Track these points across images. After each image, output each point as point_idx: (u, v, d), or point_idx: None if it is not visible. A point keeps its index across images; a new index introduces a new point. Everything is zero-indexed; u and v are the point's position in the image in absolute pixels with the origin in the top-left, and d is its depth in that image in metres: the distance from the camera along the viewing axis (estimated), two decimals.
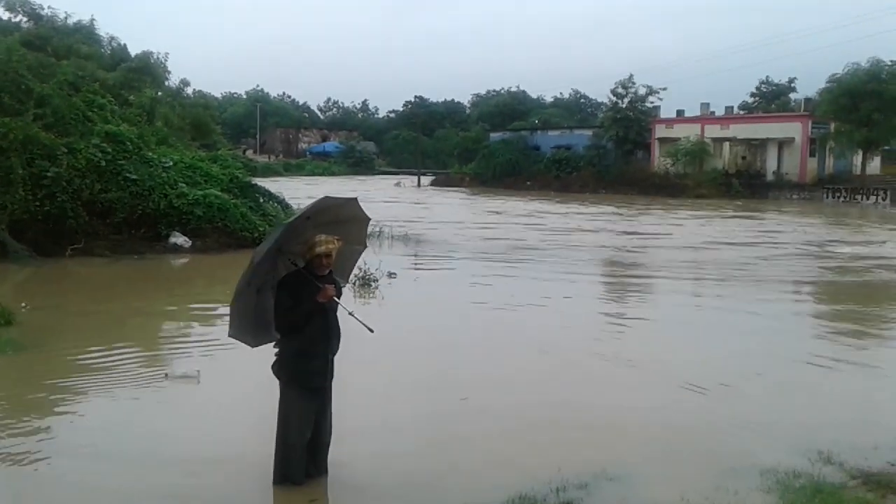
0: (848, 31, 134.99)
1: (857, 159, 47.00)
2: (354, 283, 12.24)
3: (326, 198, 5.04)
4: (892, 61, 43.59)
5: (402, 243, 20.39)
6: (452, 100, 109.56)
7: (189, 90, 47.94)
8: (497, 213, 33.68)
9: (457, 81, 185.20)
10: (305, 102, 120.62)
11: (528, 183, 55.17)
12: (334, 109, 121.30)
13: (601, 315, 11.81)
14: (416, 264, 17.46)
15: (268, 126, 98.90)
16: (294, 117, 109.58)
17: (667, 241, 22.83)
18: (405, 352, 8.73)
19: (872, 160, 48.28)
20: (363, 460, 5.54)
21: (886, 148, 46.87)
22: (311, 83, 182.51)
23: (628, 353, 9.00)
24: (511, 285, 14.22)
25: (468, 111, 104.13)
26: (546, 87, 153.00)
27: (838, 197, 43.39)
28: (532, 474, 5.17)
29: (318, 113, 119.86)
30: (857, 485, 5.09)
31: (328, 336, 5.01)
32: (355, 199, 5.28)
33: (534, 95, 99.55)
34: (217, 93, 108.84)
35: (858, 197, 42.53)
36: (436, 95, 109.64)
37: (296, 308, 4.80)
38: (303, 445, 4.99)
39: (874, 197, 42.10)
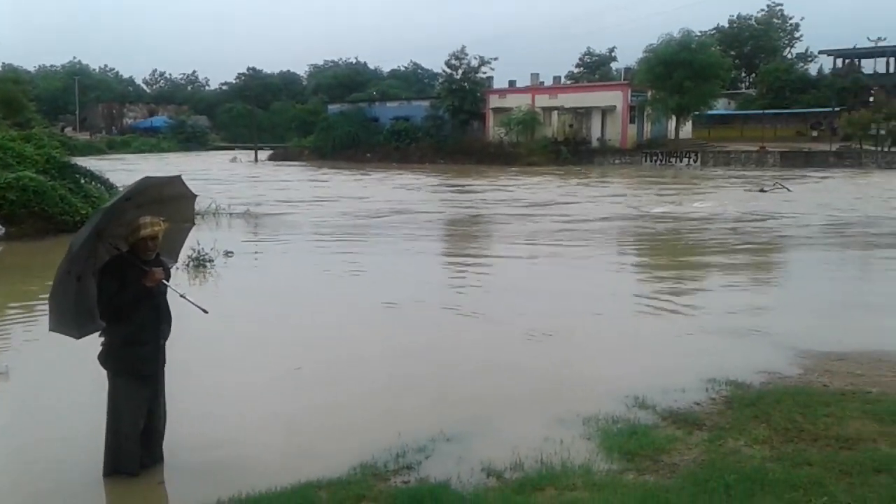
0: (664, 3, 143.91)
1: (672, 124, 50.59)
2: (188, 265, 11.87)
3: (147, 178, 4.87)
4: (701, 32, 47.19)
5: (240, 220, 19.88)
6: (288, 71, 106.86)
7: None
8: (335, 184, 33.49)
9: (292, 52, 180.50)
10: (131, 76, 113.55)
11: (369, 155, 55.08)
12: (161, 82, 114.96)
13: (446, 275, 12.23)
14: (255, 241, 17.09)
15: (88, 101, 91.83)
16: (118, 91, 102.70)
17: (504, 206, 23.67)
18: (241, 329, 8.61)
19: (685, 125, 52.14)
20: (200, 444, 5.45)
21: (696, 113, 50.69)
22: (135, 54, 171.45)
23: (467, 308, 9.51)
24: (355, 257, 14.28)
25: (305, 83, 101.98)
26: (384, 58, 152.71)
27: (655, 160, 46.65)
28: (372, 441, 5.29)
29: (144, 86, 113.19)
30: (668, 424, 5.59)
31: (158, 321, 4.87)
32: (179, 176, 5.13)
33: (372, 67, 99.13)
34: (30, 66, 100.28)
35: (673, 160, 45.94)
36: (270, 67, 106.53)
37: (121, 293, 4.63)
38: (136, 435, 4.85)
39: (686, 159, 45.65)
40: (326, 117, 62.08)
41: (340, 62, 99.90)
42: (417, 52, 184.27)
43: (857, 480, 4.23)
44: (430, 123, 56.06)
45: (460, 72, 55.63)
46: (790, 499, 4.05)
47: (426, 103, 58.80)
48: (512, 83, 58.22)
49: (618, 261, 14.87)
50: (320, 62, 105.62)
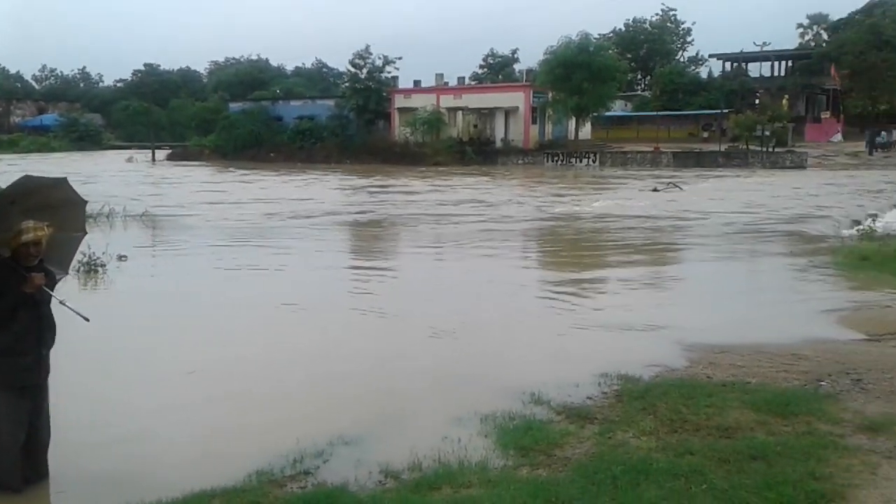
0: (564, 6, 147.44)
1: (572, 125, 51.88)
2: (78, 270, 11.38)
3: (27, 177, 4.65)
4: (599, 35, 48.54)
5: (136, 223, 19.18)
6: (188, 68, 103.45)
7: None
8: (237, 184, 32.76)
9: (192, 49, 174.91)
10: (18, 71, 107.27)
11: (272, 155, 54.04)
12: (52, 79, 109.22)
13: (350, 275, 12.23)
14: (151, 245, 16.54)
15: None
16: (4, 88, 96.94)
17: (411, 206, 23.74)
18: (132, 334, 8.36)
19: (584, 126, 53.54)
20: (87, 455, 5.26)
21: (595, 114, 52.15)
22: (22, 49, 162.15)
23: (371, 308, 9.55)
24: (256, 259, 14.04)
25: (205, 80, 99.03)
26: (288, 56, 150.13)
27: (556, 160, 47.76)
28: (269, 447, 5.23)
29: (34, 83, 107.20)
30: (562, 419, 5.76)
31: (40, 330, 4.67)
32: (64, 178, 4.92)
33: (275, 64, 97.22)
34: None
35: (573, 160, 47.14)
36: (169, 63, 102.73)
37: None
38: (16, 449, 4.63)
39: (586, 160, 46.94)
40: (228, 116, 60.45)
41: (242, 59, 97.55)
42: (322, 50, 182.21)
43: (734, 467, 4.46)
44: (336, 123, 55.55)
45: (365, 71, 55.37)
46: (672, 487, 4.24)
47: (331, 102, 58.26)
48: (417, 83, 58.34)
49: (520, 260, 15.18)
50: (221, 59, 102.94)
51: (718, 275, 13.03)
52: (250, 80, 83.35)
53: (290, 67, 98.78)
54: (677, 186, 28.79)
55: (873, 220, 18.33)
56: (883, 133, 49.28)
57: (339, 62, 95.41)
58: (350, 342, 8.39)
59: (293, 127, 56.72)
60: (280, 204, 24.60)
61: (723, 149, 45.99)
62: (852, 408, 5.26)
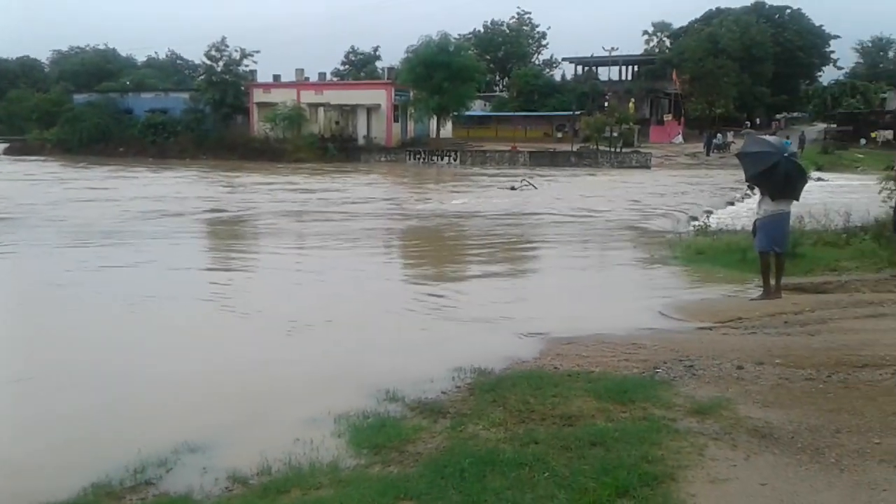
0: (425, 5, 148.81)
1: (433, 124, 52.44)
2: None
3: None
4: (459, 35, 49.31)
5: None
6: (27, 56, 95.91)
7: None
8: (84, 182, 30.83)
9: (32, 36, 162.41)
10: None
11: (122, 149, 51.43)
12: None
13: (205, 276, 11.81)
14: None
15: None
16: None
17: (270, 203, 23.19)
18: None
19: (446, 125, 54.26)
20: None
21: (455, 113, 52.98)
22: None
23: (225, 305, 9.29)
24: (105, 258, 13.27)
25: (47, 69, 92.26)
26: (139, 46, 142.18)
27: (419, 159, 48.15)
28: (107, 457, 4.96)
29: None
30: (415, 415, 5.80)
31: None
32: None
33: (124, 54, 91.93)
34: None
35: (435, 158, 47.69)
36: (6, 52, 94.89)
37: None
38: None
39: (447, 158, 47.61)
40: (72, 108, 56.71)
41: (88, 48, 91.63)
42: (176, 41, 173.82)
43: (575, 454, 4.64)
44: (191, 117, 53.42)
45: (221, 64, 53.58)
46: (516, 476, 4.37)
47: (185, 96, 55.90)
48: (277, 77, 57.09)
49: (381, 257, 15.22)
50: (65, 48, 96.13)
51: (569, 269, 13.58)
52: (97, 70, 78.30)
53: (140, 58, 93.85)
54: (532, 185, 29.76)
55: (708, 217, 19.72)
56: (719, 135, 53.03)
57: (195, 54, 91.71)
58: (201, 342, 8.12)
59: (144, 120, 54.04)
60: (130, 202, 23.37)
61: (575, 149, 47.94)
62: (684, 393, 5.60)
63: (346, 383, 6.67)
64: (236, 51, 53.56)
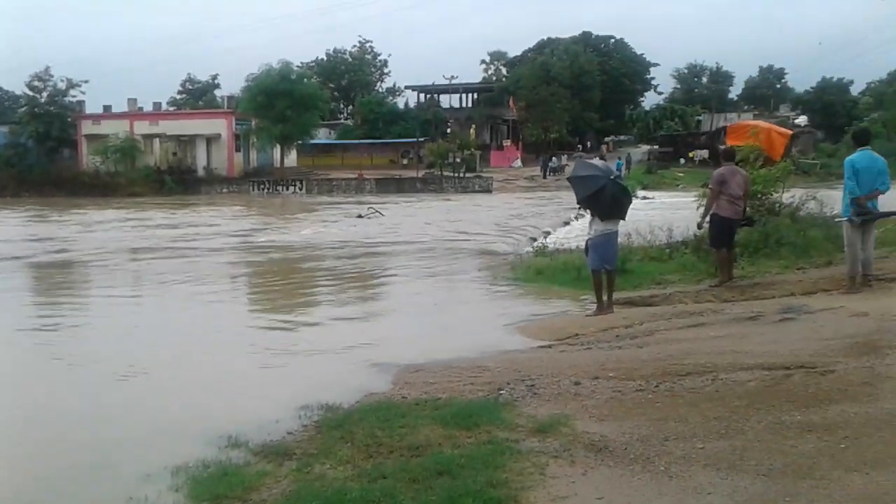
0: (265, 33, 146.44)
1: (277, 153, 51.62)
2: None
3: None
4: (301, 63, 48.91)
5: None
6: None
7: None
8: None
9: None
10: None
11: None
12: None
13: (27, 319, 10.90)
14: None
15: None
16: None
17: (100, 242, 21.82)
18: None
19: (290, 153, 53.58)
20: None
21: (300, 142, 52.44)
22: None
23: (54, 354, 8.60)
24: None
25: None
26: None
27: (263, 189, 47.17)
28: None
29: None
30: (259, 459, 5.57)
31: None
32: None
33: None
34: None
35: (280, 188, 46.91)
36: None
37: None
38: None
39: (293, 187, 46.96)
40: None
41: None
42: None
43: (423, 486, 4.63)
44: (11, 152, 49.55)
45: (45, 95, 50.25)
46: None
47: (5, 129, 51.77)
48: (108, 108, 54.31)
49: (225, 293, 14.63)
50: None
51: (417, 296, 13.68)
52: None
53: None
54: (380, 213, 29.89)
55: (546, 237, 20.60)
56: (554, 158, 55.67)
57: (15, 84, 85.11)
58: (23, 397, 7.45)
59: None
60: None
61: (420, 175, 48.73)
62: (526, 413, 5.75)
63: (186, 432, 6.34)
64: (62, 80, 50.49)
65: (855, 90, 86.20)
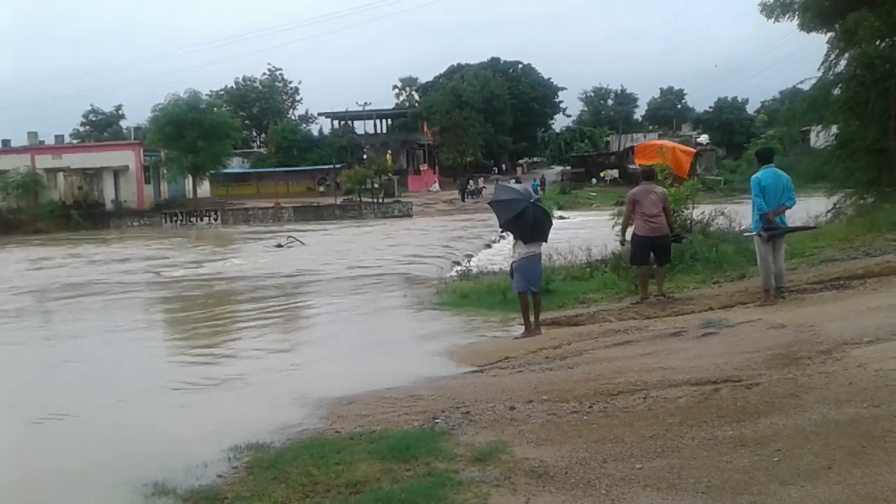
0: (170, 63, 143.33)
1: (189, 184, 50.39)
2: None
3: None
4: (211, 92, 48.03)
5: None
6: None
7: None
8: None
9: None
10: None
11: None
12: None
13: None
14: None
15: None
16: None
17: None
18: None
19: (203, 184, 52.39)
20: None
21: (213, 171, 51.39)
22: None
23: None
24: None
25: None
26: None
27: (176, 220, 45.90)
28: None
29: None
30: None
31: None
32: None
33: None
34: None
35: (193, 219, 45.76)
36: None
37: None
38: None
39: (207, 217, 45.87)
40: None
41: None
42: None
43: None
44: None
45: None
46: None
47: None
48: (6, 143, 51.96)
49: (141, 332, 14.07)
50: None
51: (343, 325, 13.49)
52: None
53: None
54: (299, 241, 29.48)
55: (469, 260, 20.72)
56: (471, 182, 56.33)
57: None
58: None
59: None
60: None
61: (339, 202, 48.42)
62: (464, 441, 5.70)
63: (107, 480, 6.02)
64: None
65: (751, 108, 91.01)
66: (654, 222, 10.83)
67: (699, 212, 15.10)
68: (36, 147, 51.23)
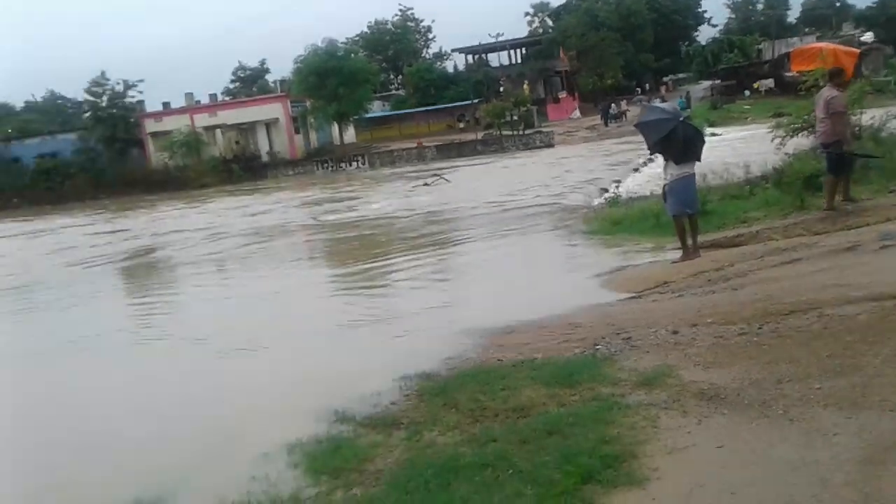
0: (305, 13, 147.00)
1: (335, 131, 52.02)
2: None
3: None
4: (346, 39, 49.05)
5: None
6: None
7: None
8: None
9: None
10: None
11: (15, 200, 48.51)
12: None
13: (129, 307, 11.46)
14: None
15: None
16: None
17: (178, 234, 22.49)
18: None
19: (348, 130, 53.95)
20: None
21: (356, 117, 52.73)
22: None
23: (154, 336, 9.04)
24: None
25: None
26: (14, 91, 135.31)
27: (327, 167, 47.65)
28: None
29: None
30: (369, 431, 5.68)
31: None
32: None
33: None
34: None
35: (343, 164, 47.31)
36: None
37: None
38: None
39: (355, 162, 47.30)
40: None
41: None
42: (53, 80, 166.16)
43: (534, 446, 4.64)
44: (83, 157, 51.23)
45: (105, 98, 51.64)
46: (481, 479, 4.35)
47: (74, 136, 53.60)
48: (166, 105, 55.50)
49: (305, 271, 14.94)
50: None
51: (496, 257, 13.63)
52: None
53: (18, 103, 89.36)
54: (444, 178, 29.87)
55: (617, 186, 20.22)
56: (613, 105, 54.49)
57: (76, 91, 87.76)
58: (135, 381, 7.83)
59: (35, 167, 51.30)
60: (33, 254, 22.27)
61: (479, 137, 48.38)
62: (627, 366, 5.69)
63: (293, 411, 6.50)
64: (118, 83, 51.75)
65: None
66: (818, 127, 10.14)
67: (868, 117, 13.88)
68: (193, 107, 54.38)
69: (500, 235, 15.83)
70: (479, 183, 27.67)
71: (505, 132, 47.03)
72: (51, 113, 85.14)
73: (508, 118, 47.55)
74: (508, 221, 17.64)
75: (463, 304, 9.85)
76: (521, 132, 46.76)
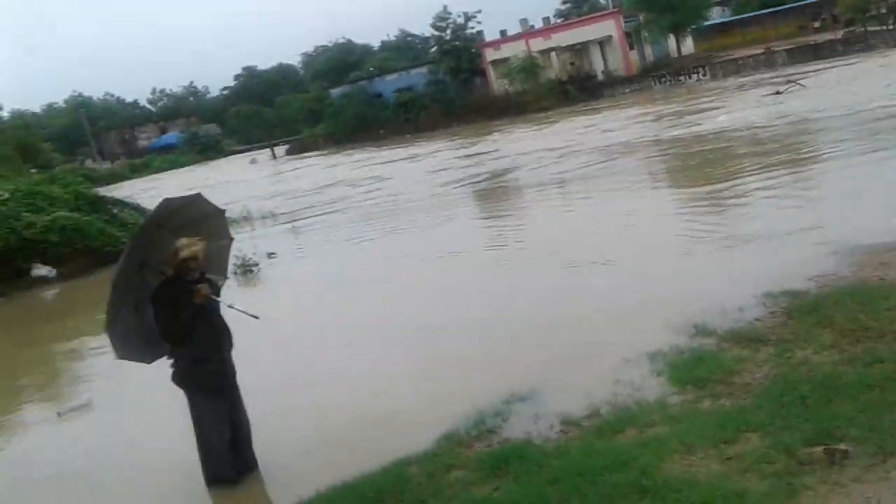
0: None
1: (672, 43, 49.61)
2: (235, 273, 12.06)
3: (166, 200, 5.07)
4: None
5: (272, 220, 20.16)
6: (283, 63, 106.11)
7: (4, 113, 44.66)
8: (358, 169, 33.53)
9: (282, 45, 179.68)
10: (135, 99, 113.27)
11: (382, 132, 54.53)
12: (164, 99, 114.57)
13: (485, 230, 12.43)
14: (296, 239, 17.31)
15: (99, 131, 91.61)
16: (124, 116, 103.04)
17: (524, 157, 23.57)
18: (295, 323, 9.01)
19: (685, 41, 51.09)
20: (287, 443, 5.71)
21: (694, 27, 49.65)
22: (131, 77, 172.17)
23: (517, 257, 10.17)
24: (402, 242, 14.47)
25: (301, 72, 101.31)
26: (371, 32, 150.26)
27: (664, 81, 45.77)
28: (451, 413, 5.44)
29: (150, 106, 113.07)
30: (732, 346, 5.63)
31: (218, 336, 5.08)
32: (199, 194, 5.34)
33: (360, 43, 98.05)
34: (35, 107, 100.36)
35: (682, 77, 45.02)
36: (264, 63, 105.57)
37: (176, 316, 4.83)
38: (224, 445, 5.09)
39: (695, 75, 44.73)
40: (332, 102, 61.62)
41: (330, 45, 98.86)
42: (402, 19, 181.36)
43: None
44: (434, 89, 55.42)
45: (449, 32, 55.02)
46: (867, 399, 4.11)
47: (424, 69, 58.21)
48: (503, 33, 57.44)
49: (653, 190, 14.86)
50: (311, 49, 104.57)
51: (866, 170, 12.11)
52: (341, 64, 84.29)
53: (375, 44, 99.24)
54: (799, 84, 27.06)
55: None
56: None
57: (423, 27, 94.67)
58: (504, 296, 8.63)
59: (395, 101, 56.86)
60: (414, 181, 24.99)
61: (839, 36, 42.66)
62: None
63: (649, 321, 6.64)
64: (459, 16, 54.70)
65: None
66: None
67: None
68: (528, 32, 55.48)
69: (870, 145, 13.97)
70: (843, 87, 24.55)
71: (871, 28, 40.83)
72: (402, 50, 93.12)
73: (875, 12, 41.11)
74: (882, 128, 15.45)
75: (830, 218, 9.01)
76: (892, 27, 40.22)
